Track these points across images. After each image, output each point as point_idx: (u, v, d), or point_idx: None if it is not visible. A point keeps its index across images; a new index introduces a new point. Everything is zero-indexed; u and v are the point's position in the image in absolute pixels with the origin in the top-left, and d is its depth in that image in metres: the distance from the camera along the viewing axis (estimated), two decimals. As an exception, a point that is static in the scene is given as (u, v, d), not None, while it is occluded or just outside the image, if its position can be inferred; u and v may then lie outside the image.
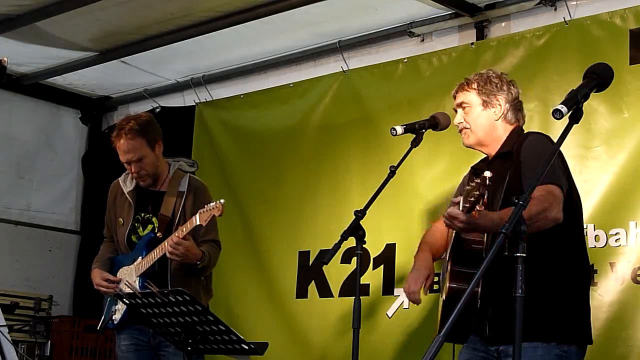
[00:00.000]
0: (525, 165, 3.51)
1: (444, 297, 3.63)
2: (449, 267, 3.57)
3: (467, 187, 3.28)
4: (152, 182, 4.83)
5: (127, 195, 4.85)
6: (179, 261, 4.57)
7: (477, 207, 3.15)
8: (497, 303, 3.45)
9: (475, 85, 3.75)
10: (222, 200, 4.45)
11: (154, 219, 4.79)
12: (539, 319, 3.41)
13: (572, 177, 3.66)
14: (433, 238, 3.99)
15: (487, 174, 3.15)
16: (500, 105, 3.73)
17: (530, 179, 3.25)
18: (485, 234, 3.51)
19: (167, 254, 4.54)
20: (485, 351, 3.60)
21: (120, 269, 4.81)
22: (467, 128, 3.77)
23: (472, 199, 3.21)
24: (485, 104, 3.73)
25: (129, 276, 4.72)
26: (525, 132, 3.79)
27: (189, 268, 4.65)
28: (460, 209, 3.34)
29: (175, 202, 4.73)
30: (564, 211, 3.42)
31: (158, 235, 4.70)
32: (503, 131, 3.74)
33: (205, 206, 4.48)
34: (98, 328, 4.89)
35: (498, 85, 3.73)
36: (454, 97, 3.85)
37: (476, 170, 3.78)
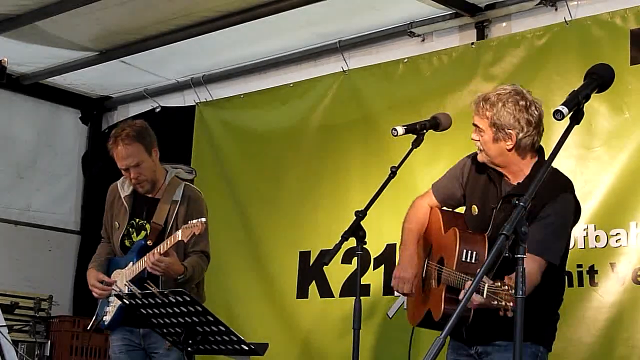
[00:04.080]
0: (539, 227, 3.44)
1: (436, 318, 3.65)
2: (443, 295, 3.58)
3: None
4: (150, 188, 4.84)
5: (124, 200, 4.87)
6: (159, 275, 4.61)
7: None
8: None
9: (489, 114, 3.56)
10: (203, 219, 4.47)
11: (147, 226, 4.79)
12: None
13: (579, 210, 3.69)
14: (419, 224, 4.01)
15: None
16: (511, 140, 3.54)
17: (540, 242, 3.40)
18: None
19: (148, 269, 4.57)
20: (468, 354, 3.73)
21: (115, 271, 4.83)
22: (481, 150, 3.65)
23: None
24: (497, 139, 3.56)
25: (120, 280, 4.74)
26: (553, 170, 3.48)
27: None
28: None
29: (169, 211, 4.74)
30: None
31: (149, 242, 4.71)
32: (518, 158, 3.59)
33: (189, 222, 4.50)
34: (89, 328, 4.93)
35: (514, 117, 3.51)
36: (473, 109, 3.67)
37: (489, 179, 3.72)
